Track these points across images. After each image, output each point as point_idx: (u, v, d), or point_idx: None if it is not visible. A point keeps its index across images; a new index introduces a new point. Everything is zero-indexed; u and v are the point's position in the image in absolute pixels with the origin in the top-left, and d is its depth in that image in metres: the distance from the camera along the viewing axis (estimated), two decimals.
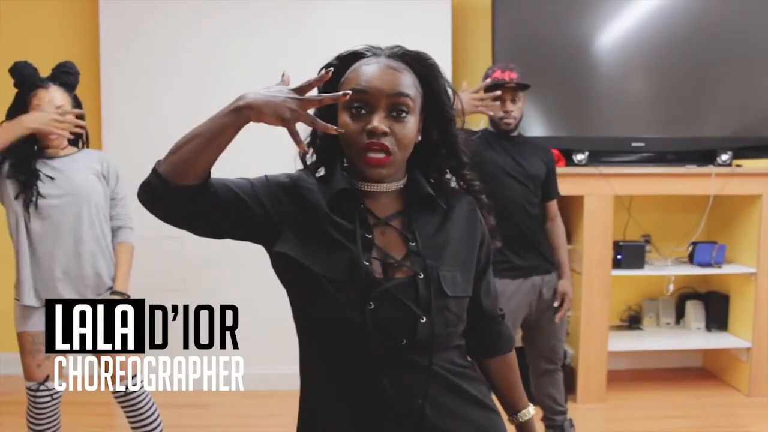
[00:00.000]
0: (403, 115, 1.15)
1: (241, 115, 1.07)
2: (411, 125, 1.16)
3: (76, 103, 2.44)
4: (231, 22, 3.73)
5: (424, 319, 1.11)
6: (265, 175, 1.21)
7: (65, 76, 2.39)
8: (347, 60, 1.22)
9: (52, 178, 2.33)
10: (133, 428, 2.46)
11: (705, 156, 3.69)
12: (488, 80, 2.70)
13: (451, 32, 3.74)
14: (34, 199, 2.30)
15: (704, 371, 4.20)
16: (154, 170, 1.11)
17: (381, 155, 1.13)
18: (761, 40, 3.69)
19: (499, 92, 2.69)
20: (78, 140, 2.48)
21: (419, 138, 1.21)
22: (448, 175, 1.30)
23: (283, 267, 1.18)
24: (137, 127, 3.71)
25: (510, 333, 1.39)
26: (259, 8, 3.73)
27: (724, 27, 3.69)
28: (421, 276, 1.13)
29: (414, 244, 1.17)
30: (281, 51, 3.71)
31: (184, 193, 1.09)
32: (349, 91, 1.10)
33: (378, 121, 1.12)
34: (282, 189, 1.18)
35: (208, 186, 1.12)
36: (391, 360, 1.12)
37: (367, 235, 1.15)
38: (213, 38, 3.73)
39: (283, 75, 1.15)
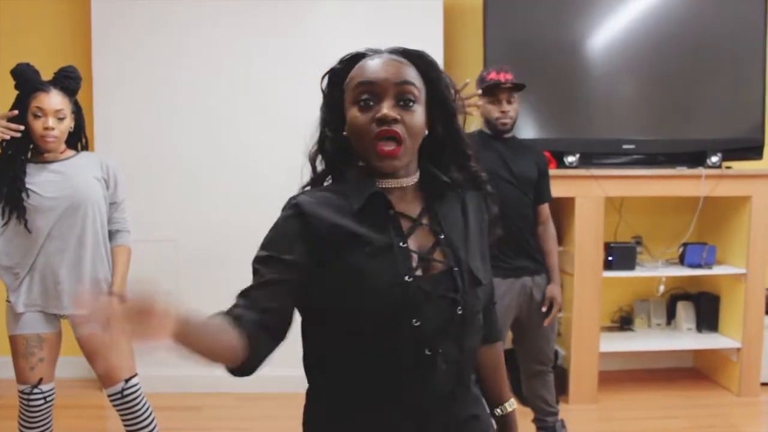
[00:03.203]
0: (411, 104, 1.16)
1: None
2: (419, 114, 1.17)
3: (77, 108, 2.43)
4: (224, 26, 3.73)
5: (461, 311, 1.14)
6: (282, 223, 1.17)
7: (67, 80, 2.38)
8: (350, 62, 1.23)
9: (30, 192, 2.30)
10: (127, 430, 2.45)
11: (695, 158, 3.72)
12: (468, 81, 2.71)
13: (442, 34, 3.75)
14: (19, 212, 2.29)
15: (695, 371, 4.22)
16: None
17: (393, 146, 1.13)
18: (750, 42, 3.72)
19: (480, 92, 2.71)
20: (77, 143, 2.47)
21: (426, 132, 1.21)
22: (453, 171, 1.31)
23: (316, 312, 1.18)
24: (129, 130, 3.71)
25: (500, 323, 1.43)
26: (252, 12, 3.73)
27: (714, 30, 3.72)
28: (457, 269, 1.16)
29: (443, 237, 1.19)
30: (273, 54, 3.71)
31: (250, 363, 1.13)
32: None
33: (387, 108, 1.13)
34: (303, 229, 1.15)
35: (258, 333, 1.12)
36: (426, 367, 1.13)
37: (402, 245, 1.15)
38: (205, 42, 3.73)
39: None
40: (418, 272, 1.14)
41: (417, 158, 1.23)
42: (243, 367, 1.11)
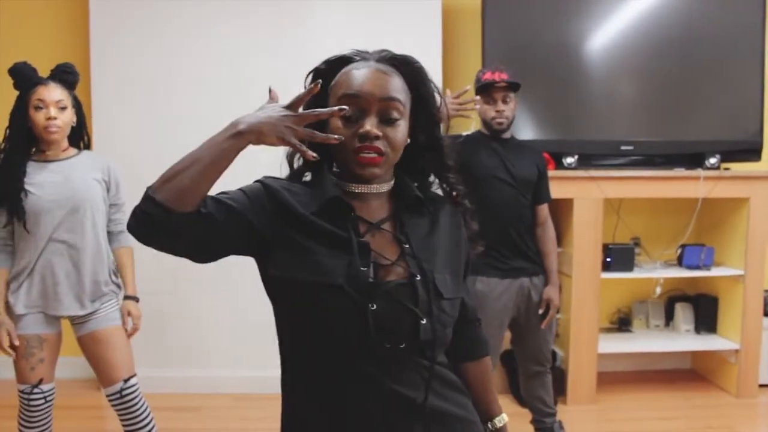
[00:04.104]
0: (395, 119, 1.16)
1: (242, 139, 1.07)
2: (402, 129, 1.17)
3: (76, 103, 2.43)
4: (223, 26, 3.73)
5: (425, 321, 1.12)
6: (250, 185, 1.19)
7: (64, 74, 2.39)
8: (336, 65, 1.22)
9: (29, 193, 2.29)
10: (126, 431, 2.45)
11: (693, 159, 3.72)
12: (467, 87, 2.72)
13: (441, 35, 3.76)
14: (19, 213, 2.28)
15: (693, 373, 4.23)
16: (151, 199, 1.06)
17: (373, 154, 1.13)
18: (749, 44, 3.73)
19: (477, 97, 2.73)
20: (80, 142, 2.47)
21: (408, 141, 1.21)
22: (431, 179, 1.31)
23: (274, 284, 1.17)
24: (128, 131, 3.71)
25: (486, 337, 1.41)
26: (252, 12, 3.74)
27: (712, 31, 3.73)
28: (418, 278, 1.14)
29: (408, 246, 1.17)
30: (271, 52, 3.72)
31: (187, 221, 1.06)
32: (346, 107, 1.10)
33: (370, 125, 1.13)
34: (267, 198, 1.16)
35: (201, 209, 1.09)
36: (391, 363, 1.12)
37: (361, 240, 1.14)
38: (204, 42, 3.73)
39: (270, 91, 1.16)
40: (377, 272, 1.13)
41: (393, 166, 1.22)
42: (176, 214, 1.05)
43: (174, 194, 1.05)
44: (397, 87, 1.17)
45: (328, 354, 1.12)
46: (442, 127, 1.27)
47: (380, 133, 1.13)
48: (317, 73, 1.23)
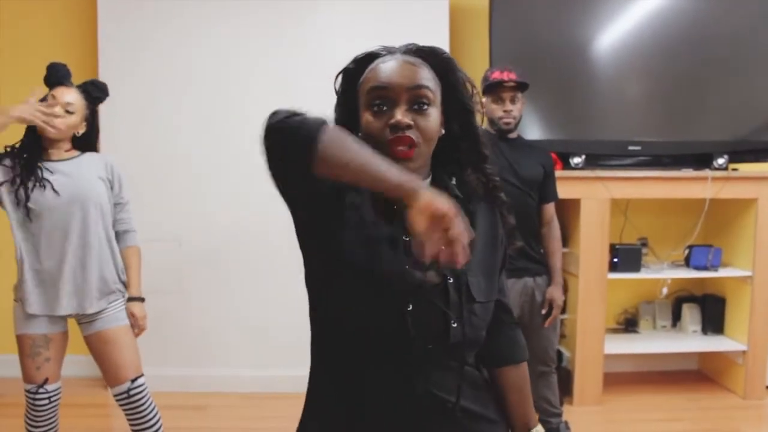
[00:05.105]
0: (425, 107, 1.15)
1: (404, 192, 1.00)
2: (434, 117, 1.16)
3: (92, 118, 2.46)
4: (229, 25, 3.73)
5: (455, 324, 1.12)
6: None
7: (91, 86, 2.44)
8: (363, 62, 1.22)
9: (46, 186, 2.31)
10: (133, 430, 2.46)
11: (701, 160, 3.71)
12: (476, 90, 2.72)
13: (448, 35, 3.75)
14: (23, 199, 2.28)
15: (700, 374, 4.21)
16: (313, 141, 1.01)
17: (406, 148, 1.12)
18: (758, 44, 3.71)
19: (483, 99, 2.73)
20: (86, 144, 2.47)
21: (442, 132, 1.20)
22: (468, 171, 1.28)
23: (318, 250, 1.16)
24: (134, 129, 3.71)
25: (525, 342, 1.38)
26: (258, 12, 3.74)
27: (721, 31, 3.71)
28: (451, 281, 1.14)
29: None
30: (279, 55, 3.72)
31: (310, 175, 1.04)
32: None
33: (401, 115, 1.12)
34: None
35: None
36: (422, 363, 1.12)
37: (405, 238, 1.13)
38: (210, 41, 3.74)
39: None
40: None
41: (430, 162, 1.21)
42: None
43: (326, 159, 1.01)
44: (426, 76, 1.17)
45: (353, 344, 1.13)
46: (478, 117, 1.25)
47: (411, 122, 1.12)
48: (347, 72, 1.23)
